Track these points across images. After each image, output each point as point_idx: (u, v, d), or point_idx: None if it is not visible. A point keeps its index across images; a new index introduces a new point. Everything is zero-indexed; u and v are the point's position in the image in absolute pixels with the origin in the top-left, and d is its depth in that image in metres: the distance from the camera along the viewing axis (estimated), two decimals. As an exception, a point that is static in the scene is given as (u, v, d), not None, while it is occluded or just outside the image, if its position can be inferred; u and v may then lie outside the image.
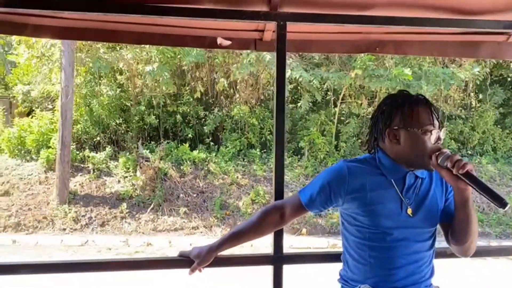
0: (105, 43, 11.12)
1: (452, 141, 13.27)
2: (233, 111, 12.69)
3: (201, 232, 10.05)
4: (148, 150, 11.69)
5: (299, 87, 12.73)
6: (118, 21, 2.32)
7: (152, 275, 6.29)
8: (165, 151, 11.70)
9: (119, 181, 11.08)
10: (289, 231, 9.88)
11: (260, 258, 2.37)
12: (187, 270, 1.96)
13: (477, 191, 1.55)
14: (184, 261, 1.98)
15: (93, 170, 11.29)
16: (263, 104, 13.20)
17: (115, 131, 12.60)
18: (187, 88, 13.10)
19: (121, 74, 12.94)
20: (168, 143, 12.17)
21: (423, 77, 11.50)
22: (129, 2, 2.03)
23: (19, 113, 13.94)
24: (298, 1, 2.14)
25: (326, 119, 12.91)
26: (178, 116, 12.59)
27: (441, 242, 1.89)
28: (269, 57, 10.95)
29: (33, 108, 13.11)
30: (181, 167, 11.41)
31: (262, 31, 2.46)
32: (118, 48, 12.01)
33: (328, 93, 13.21)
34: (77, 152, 11.62)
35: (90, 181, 11.01)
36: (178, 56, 11.85)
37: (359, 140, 12.77)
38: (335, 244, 9.12)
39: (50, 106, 12.99)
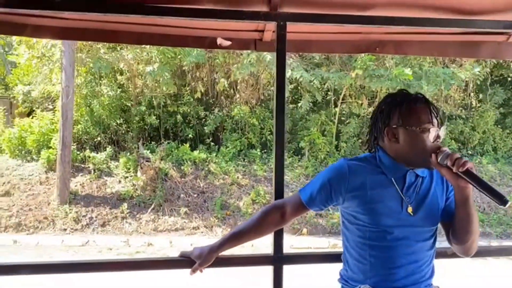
0: (105, 43, 11.12)
1: (453, 141, 13.27)
2: (233, 111, 12.70)
3: (202, 232, 10.05)
4: (149, 150, 11.70)
5: (299, 87, 12.73)
6: (118, 22, 2.33)
7: (153, 276, 6.29)
8: (166, 151, 11.70)
9: (119, 181, 11.09)
10: (289, 231, 9.88)
11: (260, 258, 2.37)
12: (188, 270, 1.96)
13: (478, 189, 1.55)
14: (185, 261, 1.98)
15: (94, 170, 11.29)
16: (263, 104, 13.20)
17: (115, 131, 12.60)
18: (188, 88, 13.10)
19: (121, 74, 12.95)
20: (168, 143, 12.17)
21: (424, 77, 11.50)
22: (129, 2, 2.03)
23: (19, 114, 13.94)
24: (298, 1, 2.14)
25: (326, 119, 12.91)
26: (179, 116, 12.60)
27: (441, 242, 1.89)
28: (270, 57, 10.94)
29: (34, 109, 13.12)
30: (182, 167, 11.41)
31: (262, 31, 2.46)
32: (118, 49, 12.01)
33: (329, 93, 13.21)
34: (78, 152, 11.63)
35: (90, 181, 11.02)
36: (179, 57, 11.86)
37: (360, 140, 12.77)
38: (335, 244, 9.12)
39: (51, 107, 12.99)
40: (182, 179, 11.24)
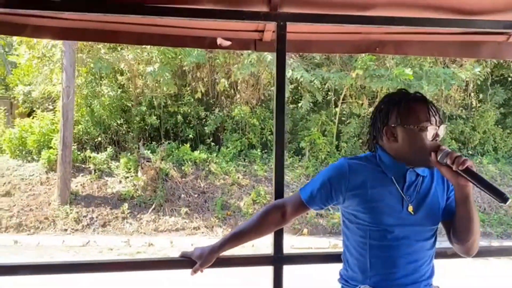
0: (106, 43, 11.13)
1: (453, 141, 13.26)
2: (234, 111, 12.69)
3: (203, 233, 10.05)
4: (149, 151, 11.70)
5: (300, 88, 12.72)
6: (118, 22, 2.33)
7: (153, 276, 6.29)
8: (166, 151, 11.70)
9: (120, 182, 11.09)
10: (290, 231, 9.88)
11: (261, 259, 2.37)
12: (189, 271, 1.97)
13: (478, 187, 1.55)
14: (186, 261, 1.98)
15: (95, 170, 11.30)
16: (264, 105, 13.20)
17: (116, 132, 12.61)
18: (188, 88, 13.11)
19: (122, 74, 12.95)
20: (169, 143, 12.17)
21: (424, 77, 11.49)
22: (129, 3, 2.03)
23: (19, 114, 13.94)
24: (298, 1, 2.14)
25: (327, 119, 12.91)
26: (179, 117, 12.60)
27: (441, 242, 1.89)
28: (270, 57, 10.94)
29: (34, 109, 13.11)
30: (182, 168, 11.41)
31: (262, 31, 2.46)
32: (119, 49, 12.02)
33: (329, 93, 13.21)
34: (78, 153, 11.63)
35: (91, 181, 11.02)
36: (179, 57, 11.86)
37: (360, 140, 12.76)
38: (336, 244, 9.11)
39: (51, 107, 13.00)
40: (183, 179, 11.24)
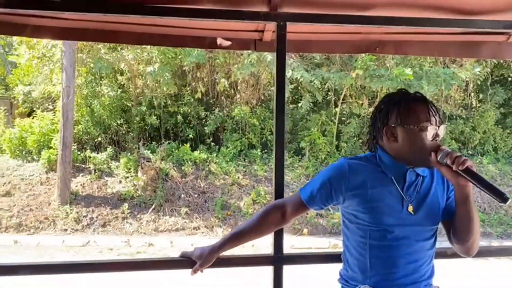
0: (106, 43, 11.13)
1: (453, 141, 13.26)
2: (234, 111, 12.69)
3: (203, 233, 10.05)
4: (149, 151, 11.70)
5: (300, 88, 12.72)
6: (118, 22, 2.33)
7: (154, 276, 6.29)
8: (166, 151, 11.70)
9: (120, 182, 11.09)
10: (290, 231, 9.88)
11: (261, 259, 2.37)
12: (188, 271, 1.97)
13: (478, 187, 1.55)
14: (186, 261, 1.98)
15: (95, 170, 11.30)
16: (264, 105, 13.20)
17: (116, 132, 12.61)
18: (188, 88, 13.10)
19: (122, 74, 12.95)
20: (169, 143, 12.17)
21: (424, 77, 11.49)
22: (129, 3, 2.03)
23: (19, 114, 13.94)
24: (298, 1, 2.14)
25: (327, 119, 12.91)
26: (179, 117, 12.60)
27: (441, 242, 1.89)
28: (270, 57, 10.94)
29: (34, 109, 13.11)
30: (182, 168, 11.41)
31: (262, 31, 2.46)
32: (119, 49, 12.02)
33: (329, 93, 13.21)
34: (78, 153, 11.63)
35: (91, 181, 11.02)
36: (179, 57, 11.86)
37: (360, 140, 12.76)
38: (336, 244, 9.11)
39: (51, 107, 12.99)
40: (183, 179, 11.24)
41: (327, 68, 12.39)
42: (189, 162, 11.51)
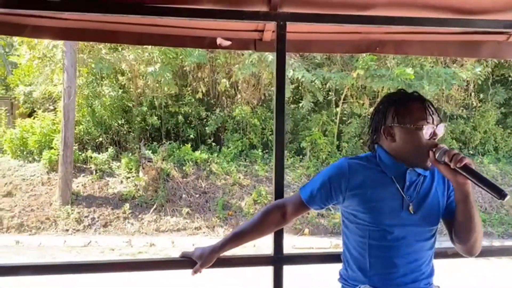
0: (106, 44, 11.13)
1: (454, 141, 13.26)
2: (234, 111, 12.69)
3: (204, 233, 10.05)
4: (151, 151, 11.70)
5: (300, 87, 12.72)
6: (117, 22, 2.33)
7: (155, 276, 6.29)
8: (167, 151, 11.70)
9: (121, 182, 11.10)
10: (291, 231, 9.88)
11: (261, 259, 2.37)
12: (189, 271, 1.97)
13: (476, 184, 1.55)
14: (186, 261, 1.98)
15: (96, 170, 11.30)
16: (264, 105, 13.20)
17: (117, 132, 12.61)
18: (189, 88, 13.10)
19: (123, 75, 12.95)
20: (170, 143, 12.18)
21: (425, 77, 11.47)
22: (129, 3, 2.04)
23: (20, 114, 13.94)
24: (298, 1, 2.14)
25: (328, 119, 12.90)
26: (180, 117, 12.60)
27: (442, 242, 1.89)
28: (271, 57, 10.93)
29: (35, 109, 13.11)
30: (183, 168, 11.42)
31: (262, 31, 2.46)
32: (120, 49, 12.02)
33: (330, 93, 13.20)
34: (80, 153, 11.64)
35: (92, 181, 11.03)
36: (180, 57, 11.86)
37: (361, 140, 12.75)
38: (337, 244, 9.10)
39: (52, 107, 12.99)
40: (184, 179, 11.24)
41: (328, 68, 12.38)
42: (190, 162, 11.51)
